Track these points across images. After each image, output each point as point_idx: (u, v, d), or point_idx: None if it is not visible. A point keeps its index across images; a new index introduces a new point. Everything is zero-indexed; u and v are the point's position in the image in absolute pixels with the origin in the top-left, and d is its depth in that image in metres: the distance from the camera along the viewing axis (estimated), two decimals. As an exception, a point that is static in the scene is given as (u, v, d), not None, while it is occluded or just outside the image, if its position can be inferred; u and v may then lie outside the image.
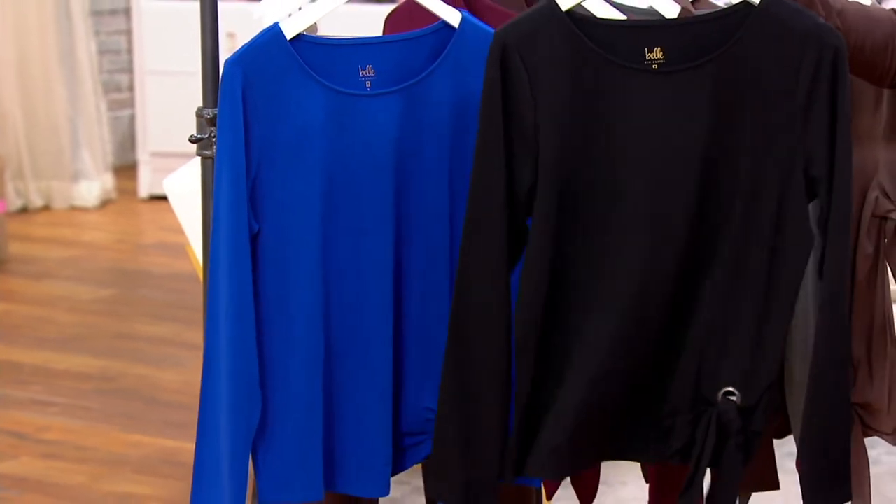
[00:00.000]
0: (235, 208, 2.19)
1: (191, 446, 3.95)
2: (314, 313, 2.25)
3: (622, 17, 2.23)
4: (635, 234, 2.17)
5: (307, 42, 2.22)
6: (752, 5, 2.16)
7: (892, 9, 2.39)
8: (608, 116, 2.16)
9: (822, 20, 2.16)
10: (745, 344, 2.20)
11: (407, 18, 2.53)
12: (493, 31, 2.27)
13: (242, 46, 2.19)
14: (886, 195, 2.50)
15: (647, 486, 2.62)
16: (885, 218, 2.50)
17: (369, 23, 3.42)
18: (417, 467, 2.51)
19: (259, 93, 2.18)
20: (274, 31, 2.19)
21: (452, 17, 2.28)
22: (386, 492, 2.33)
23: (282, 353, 2.26)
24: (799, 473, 2.25)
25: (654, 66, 2.16)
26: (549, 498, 2.59)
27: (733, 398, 2.20)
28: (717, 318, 2.19)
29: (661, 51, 2.16)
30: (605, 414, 2.21)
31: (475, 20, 2.29)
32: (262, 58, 2.18)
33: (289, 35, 2.20)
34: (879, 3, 2.67)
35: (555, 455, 2.20)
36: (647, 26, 2.18)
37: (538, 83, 2.15)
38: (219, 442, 2.25)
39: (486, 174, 2.17)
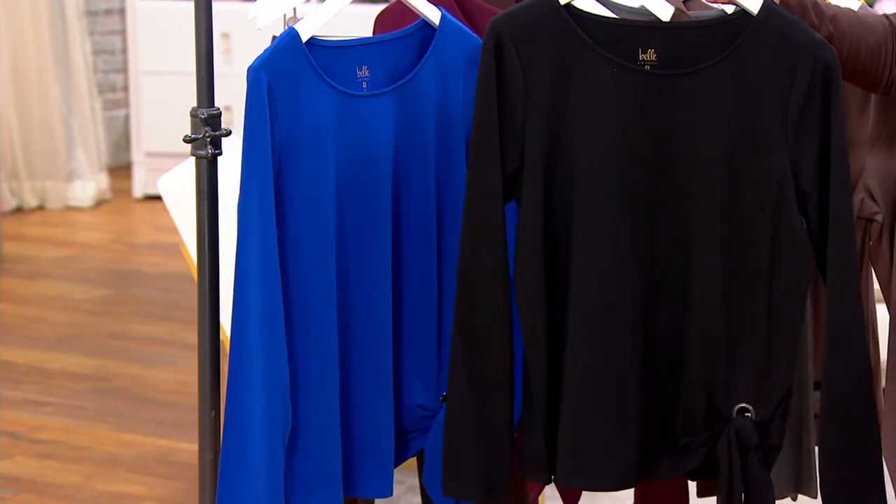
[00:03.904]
0: (265, 214, 2.20)
1: (185, 446, 3.97)
2: (331, 315, 2.27)
3: (614, 16, 2.24)
4: (613, 236, 2.17)
5: (314, 45, 2.24)
6: (749, 15, 2.16)
7: (885, 15, 2.40)
8: (596, 111, 2.16)
9: (818, 35, 2.15)
10: (755, 359, 2.19)
11: (399, 19, 2.54)
12: (469, 30, 2.30)
13: (265, 51, 2.21)
14: (872, 197, 2.51)
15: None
16: (870, 220, 2.51)
17: (358, 23, 3.42)
18: (412, 466, 2.52)
19: (279, 96, 2.20)
20: (292, 35, 2.21)
21: (434, 15, 2.31)
22: (391, 492, 2.35)
23: (302, 357, 2.26)
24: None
25: (647, 67, 2.17)
26: (535, 499, 2.59)
27: (748, 414, 2.20)
28: (717, 333, 2.19)
29: (654, 52, 2.17)
30: (609, 424, 2.20)
31: (453, 19, 2.32)
32: (282, 62, 2.21)
33: (304, 38, 2.22)
34: (871, 5, 2.68)
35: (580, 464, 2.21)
36: (643, 26, 2.18)
37: (530, 72, 2.16)
38: (250, 450, 2.22)
39: (484, 165, 2.18)
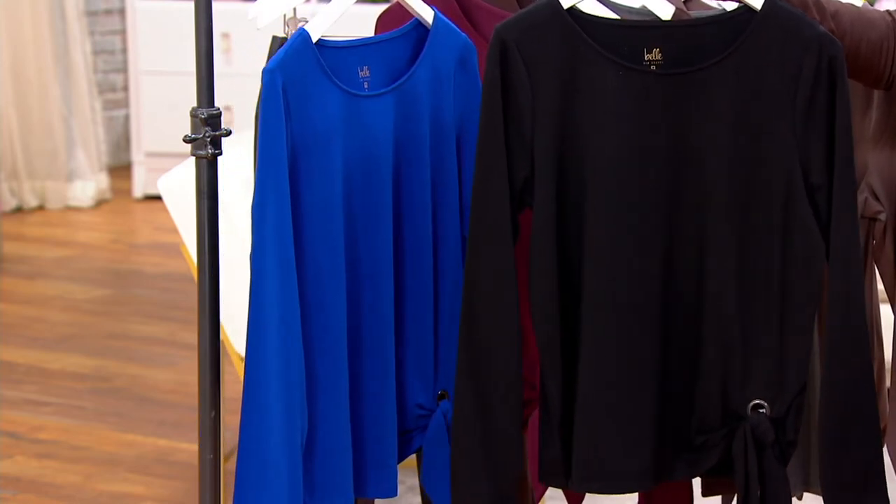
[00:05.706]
0: (281, 215, 2.19)
1: (185, 446, 3.97)
2: (342, 316, 2.27)
3: (616, 17, 2.24)
4: (626, 238, 2.18)
5: (321, 45, 2.25)
6: (753, 10, 2.16)
7: (887, 10, 2.40)
8: (605, 114, 2.16)
9: (822, 29, 2.16)
10: (769, 356, 2.19)
11: (400, 19, 2.54)
12: (458, 29, 2.31)
13: (278, 52, 2.21)
14: (875, 197, 2.51)
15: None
16: (873, 219, 2.51)
17: (359, 23, 3.42)
18: (412, 466, 2.52)
19: (292, 96, 2.21)
20: (304, 37, 2.22)
21: (427, 15, 2.32)
22: (396, 491, 2.35)
23: (315, 359, 2.26)
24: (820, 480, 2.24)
25: (653, 68, 2.16)
26: (538, 500, 2.59)
27: (763, 410, 2.20)
28: (732, 330, 2.19)
29: (659, 52, 2.17)
30: (626, 427, 2.19)
31: (445, 19, 2.33)
32: (295, 64, 2.21)
33: (314, 39, 2.22)
34: (872, 4, 2.68)
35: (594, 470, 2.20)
36: (647, 27, 2.18)
37: (537, 79, 2.16)
38: (269, 454, 2.21)
39: (490, 175, 2.18)
